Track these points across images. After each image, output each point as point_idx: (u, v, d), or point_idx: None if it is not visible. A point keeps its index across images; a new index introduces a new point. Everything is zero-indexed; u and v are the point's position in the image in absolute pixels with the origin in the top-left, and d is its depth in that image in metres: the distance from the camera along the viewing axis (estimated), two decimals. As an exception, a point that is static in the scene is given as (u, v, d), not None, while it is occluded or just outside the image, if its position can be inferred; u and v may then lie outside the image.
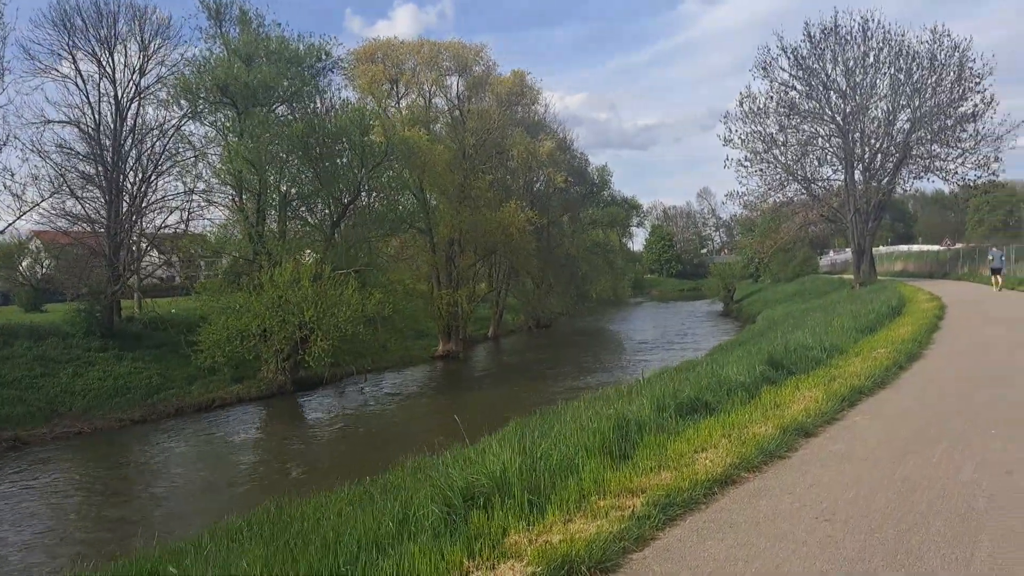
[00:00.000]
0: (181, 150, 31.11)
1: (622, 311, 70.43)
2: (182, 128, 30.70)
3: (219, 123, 29.39)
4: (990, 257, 33.28)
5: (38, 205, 28.22)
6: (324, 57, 32.83)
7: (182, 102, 29.16)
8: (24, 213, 27.83)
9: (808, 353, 11.64)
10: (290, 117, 30.98)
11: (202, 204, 31.71)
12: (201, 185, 30.97)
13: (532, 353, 43.72)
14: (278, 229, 31.55)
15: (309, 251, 32.05)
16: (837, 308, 25.23)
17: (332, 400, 28.30)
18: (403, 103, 43.31)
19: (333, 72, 34.04)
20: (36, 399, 24.80)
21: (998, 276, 30.88)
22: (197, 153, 29.74)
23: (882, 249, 76.76)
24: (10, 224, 28.59)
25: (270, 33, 31.23)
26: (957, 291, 31.19)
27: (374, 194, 36.14)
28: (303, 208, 32.48)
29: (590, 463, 5.84)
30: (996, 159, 39.28)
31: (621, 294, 79.06)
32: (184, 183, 31.12)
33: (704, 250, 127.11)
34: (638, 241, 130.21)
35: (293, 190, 31.44)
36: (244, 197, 30.13)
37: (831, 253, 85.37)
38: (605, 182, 62.77)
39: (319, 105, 32.24)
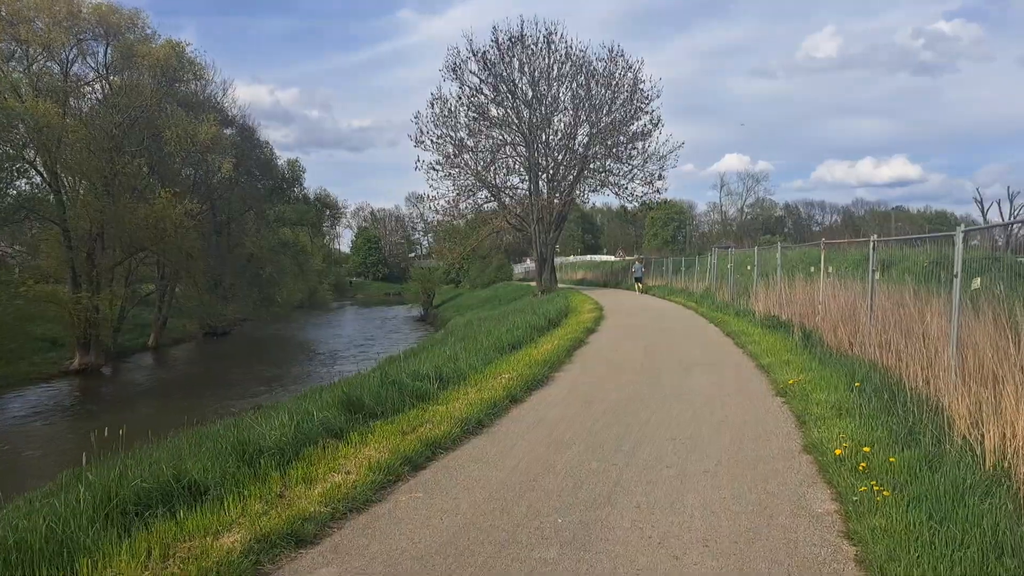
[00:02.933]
0: None
1: (318, 316, 66.37)
2: None
3: None
4: (633, 269, 42.94)
5: None
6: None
7: None
8: None
9: (413, 385, 9.41)
10: None
11: None
12: None
13: (194, 366, 38.55)
14: None
15: None
16: (508, 318, 24.19)
17: None
18: (34, 68, 35.87)
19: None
20: None
21: (639, 284, 39.92)
22: None
23: (571, 258, 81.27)
24: None
25: None
26: (620, 300, 32.28)
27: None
28: None
29: None
30: (660, 177, 42.15)
31: (321, 298, 75.04)
32: None
33: (412, 254, 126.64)
34: (345, 243, 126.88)
35: None
36: None
37: (527, 261, 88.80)
38: (296, 177, 58.59)
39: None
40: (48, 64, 36.10)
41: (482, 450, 7.03)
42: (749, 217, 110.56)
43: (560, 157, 42.32)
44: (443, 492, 5.71)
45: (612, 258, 71.78)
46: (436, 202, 44.34)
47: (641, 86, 41.04)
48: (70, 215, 33.76)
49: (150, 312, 44.92)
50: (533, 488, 5.76)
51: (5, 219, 31.34)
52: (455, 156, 42.09)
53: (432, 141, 42.05)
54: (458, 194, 43.08)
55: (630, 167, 41.97)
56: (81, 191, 35.49)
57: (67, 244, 34.34)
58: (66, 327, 34.02)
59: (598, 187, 43.40)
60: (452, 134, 42.08)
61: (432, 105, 41.85)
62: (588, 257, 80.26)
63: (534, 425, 8.11)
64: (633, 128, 41.45)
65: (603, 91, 41.02)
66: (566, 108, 41.57)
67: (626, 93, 41.07)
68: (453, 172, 42.44)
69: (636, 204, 44.99)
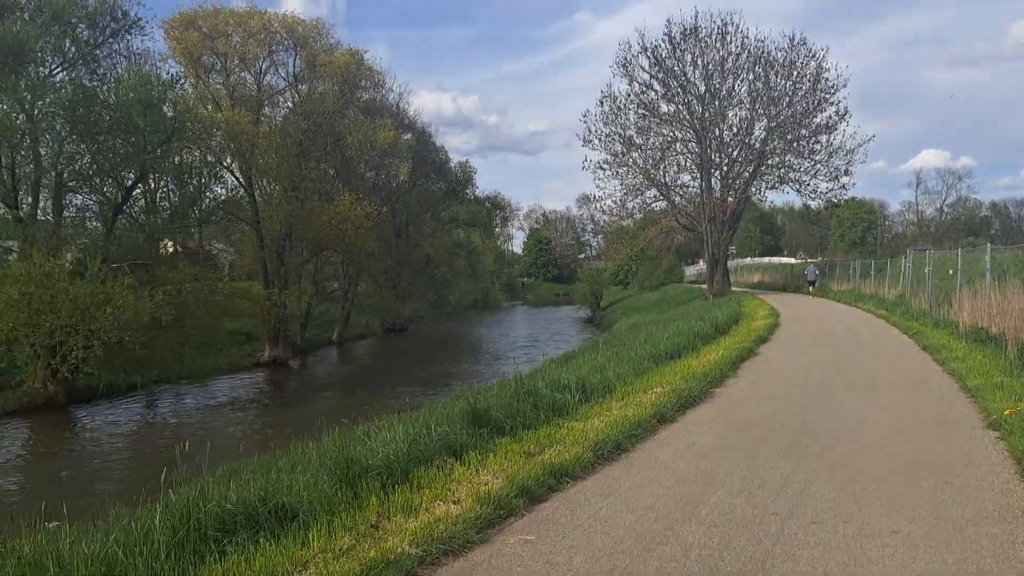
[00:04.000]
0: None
1: (489, 316, 67.44)
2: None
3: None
4: (807, 272, 43.89)
5: None
6: (121, 16, 28.21)
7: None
8: None
9: (550, 397, 8.60)
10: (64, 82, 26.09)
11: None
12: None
13: (370, 360, 40.09)
14: (53, 214, 26.60)
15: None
16: (672, 323, 22.89)
17: (101, 418, 23.52)
18: (232, 79, 38.63)
19: (131, 34, 29.17)
20: None
21: (812, 287, 40.52)
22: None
23: (748, 260, 77.44)
24: None
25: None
26: (799, 305, 29.90)
27: (181, 178, 31.81)
28: (83, 192, 27.49)
29: None
30: (846, 172, 38.80)
31: (493, 298, 76.45)
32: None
33: (582, 255, 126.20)
34: (517, 244, 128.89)
35: (65, 170, 26.40)
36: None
37: (699, 263, 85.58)
38: (468, 178, 59.68)
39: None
40: (243, 75, 38.70)
41: (615, 481, 6.08)
42: (949, 217, 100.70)
43: (735, 153, 40.03)
44: (559, 536, 4.85)
45: (793, 260, 67.36)
46: (603, 202, 43.44)
47: (825, 75, 37.98)
48: (263, 217, 35.99)
49: (336, 308, 47.15)
50: (667, 540, 4.76)
51: (204, 219, 33.90)
52: (623, 154, 41.00)
53: (600, 140, 41.24)
54: (625, 193, 41.99)
55: (812, 162, 38.95)
56: (274, 194, 37.75)
57: (260, 244, 36.69)
58: (258, 322, 36.16)
59: (776, 184, 40.62)
60: (621, 132, 41.02)
61: (601, 103, 41.02)
62: (766, 259, 75.99)
63: (682, 452, 7.04)
64: (816, 121, 38.46)
65: (783, 82, 38.35)
66: (742, 102, 39.30)
67: (808, 83, 38.15)
68: (621, 171, 41.41)
69: (820, 202, 41.79)
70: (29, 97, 24.26)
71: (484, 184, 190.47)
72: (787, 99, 38.26)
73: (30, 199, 25.98)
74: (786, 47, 38.24)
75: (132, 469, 16.68)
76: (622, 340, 21.69)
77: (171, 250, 49.24)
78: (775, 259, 72.84)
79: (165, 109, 26.47)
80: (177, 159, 28.09)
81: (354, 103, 42.48)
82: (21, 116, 24.56)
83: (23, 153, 25.25)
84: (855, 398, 9.84)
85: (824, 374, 12.10)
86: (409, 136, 52.05)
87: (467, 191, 60.60)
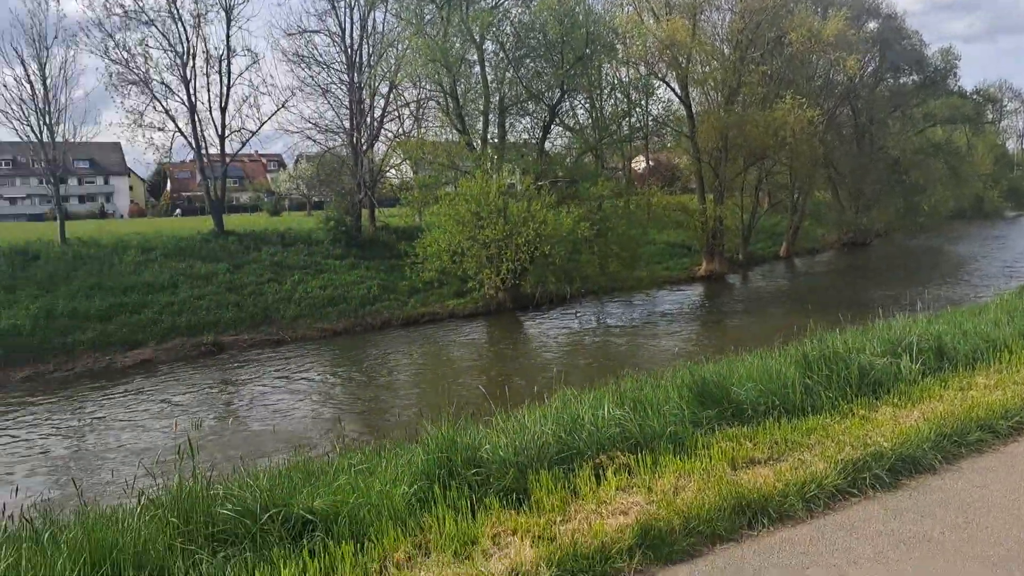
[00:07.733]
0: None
1: (982, 228, 57.03)
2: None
3: (407, 16, 26.65)
4: None
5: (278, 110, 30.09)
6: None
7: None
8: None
9: (867, 364, 6.03)
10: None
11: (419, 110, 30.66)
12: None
13: (815, 279, 36.19)
14: (498, 137, 29.17)
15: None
16: None
17: (532, 324, 25.49)
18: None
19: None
20: (252, 305, 24.76)
21: None
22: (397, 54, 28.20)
23: None
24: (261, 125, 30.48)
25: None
26: None
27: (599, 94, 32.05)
28: (517, 114, 29.42)
29: None
30: None
31: (989, 206, 64.57)
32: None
33: None
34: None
35: (508, 93, 28.38)
36: (448, 101, 27.83)
37: None
38: (949, 68, 49.05)
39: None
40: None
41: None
42: None
43: None
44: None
45: None
46: None
47: None
48: (698, 127, 34.74)
49: (786, 220, 43.87)
50: None
51: (630, 135, 33.97)
52: None
53: None
54: None
55: None
56: (711, 103, 36.09)
57: (696, 156, 35.63)
58: (695, 236, 35.37)
59: None
60: None
61: None
62: None
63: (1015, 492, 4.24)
64: None
65: None
66: None
67: None
68: None
69: None
70: (477, 28, 26.28)
71: (989, 74, 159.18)
72: None
73: (480, 125, 28.67)
74: None
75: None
76: None
77: (644, 166, 51.09)
78: None
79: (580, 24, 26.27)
80: (610, 75, 28.21)
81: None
82: (471, 47, 26.83)
83: (471, 82, 27.67)
84: None
85: None
86: (873, 24, 44.84)
87: (947, 83, 50.11)
